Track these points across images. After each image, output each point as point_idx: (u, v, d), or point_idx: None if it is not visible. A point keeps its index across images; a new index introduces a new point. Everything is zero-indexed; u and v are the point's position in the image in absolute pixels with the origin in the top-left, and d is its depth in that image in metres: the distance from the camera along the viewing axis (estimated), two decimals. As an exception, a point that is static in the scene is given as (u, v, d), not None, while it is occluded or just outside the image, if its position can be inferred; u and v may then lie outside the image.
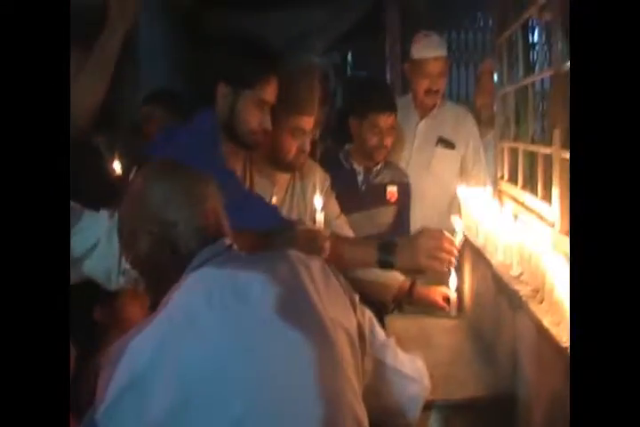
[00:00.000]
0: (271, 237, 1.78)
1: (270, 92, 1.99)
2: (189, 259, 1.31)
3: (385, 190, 2.76)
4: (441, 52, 3.01)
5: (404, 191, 2.81)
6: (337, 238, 1.96)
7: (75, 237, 1.53)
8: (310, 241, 1.79)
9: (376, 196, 2.76)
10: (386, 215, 2.77)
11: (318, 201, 2.11)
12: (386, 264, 1.92)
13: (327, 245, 1.81)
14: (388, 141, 2.69)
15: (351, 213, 2.52)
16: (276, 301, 1.21)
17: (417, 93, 3.04)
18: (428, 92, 3.00)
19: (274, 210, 1.98)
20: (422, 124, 3.08)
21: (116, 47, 2.01)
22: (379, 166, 2.77)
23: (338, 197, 2.47)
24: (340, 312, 1.29)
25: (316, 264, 1.34)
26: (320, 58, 6.39)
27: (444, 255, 1.85)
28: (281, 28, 5.03)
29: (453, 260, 1.87)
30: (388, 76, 4.97)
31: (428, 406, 1.70)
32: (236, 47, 2.01)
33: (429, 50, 2.99)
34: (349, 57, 7.08)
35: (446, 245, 1.85)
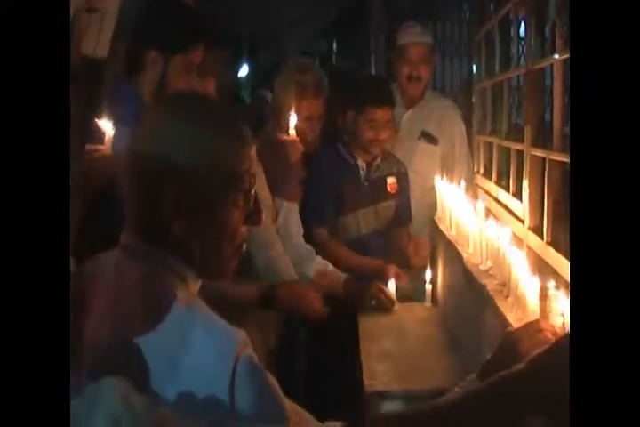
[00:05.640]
0: None
1: (198, 55, 1.99)
2: None
3: (385, 183, 2.74)
4: (422, 38, 3.00)
5: (403, 181, 2.79)
6: None
7: None
8: None
9: (378, 190, 2.73)
10: (389, 209, 2.75)
11: None
12: None
13: None
14: (385, 135, 2.64)
15: (358, 210, 2.53)
16: None
17: (400, 80, 3.01)
18: (410, 78, 2.97)
19: None
20: (407, 114, 3.03)
21: None
22: (378, 160, 2.72)
23: (343, 194, 2.50)
24: None
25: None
26: (308, 46, 6.39)
27: None
28: (270, 19, 5.02)
29: None
30: (373, 65, 4.96)
31: (394, 397, 1.73)
32: (164, 14, 2.01)
33: (411, 36, 2.99)
34: (334, 46, 7.06)
35: None
